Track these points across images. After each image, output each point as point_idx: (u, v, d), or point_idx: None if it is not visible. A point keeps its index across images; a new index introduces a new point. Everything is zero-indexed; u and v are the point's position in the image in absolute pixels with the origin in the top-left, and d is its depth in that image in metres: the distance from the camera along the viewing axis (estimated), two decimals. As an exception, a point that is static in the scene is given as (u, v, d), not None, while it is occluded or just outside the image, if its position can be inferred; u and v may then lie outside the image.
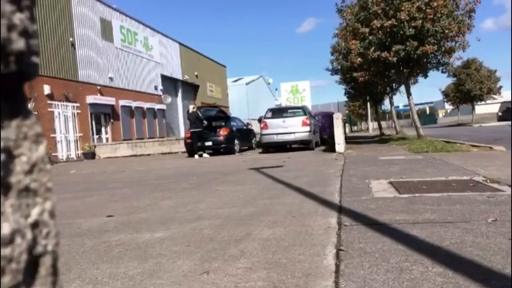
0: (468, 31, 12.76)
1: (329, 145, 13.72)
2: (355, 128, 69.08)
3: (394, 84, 22.29)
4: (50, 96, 17.65)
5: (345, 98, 35.61)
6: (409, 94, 14.65)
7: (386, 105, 34.32)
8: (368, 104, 37.96)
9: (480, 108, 56.97)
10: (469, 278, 1.96)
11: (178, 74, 31.13)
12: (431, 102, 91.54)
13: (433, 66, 13.98)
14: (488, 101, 47.58)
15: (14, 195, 0.32)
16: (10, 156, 0.31)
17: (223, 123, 16.01)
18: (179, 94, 31.69)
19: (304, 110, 15.48)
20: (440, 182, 4.98)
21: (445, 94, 50.43)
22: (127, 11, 25.62)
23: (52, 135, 17.56)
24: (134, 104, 24.25)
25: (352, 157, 9.80)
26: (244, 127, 17.91)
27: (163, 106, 27.65)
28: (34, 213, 0.33)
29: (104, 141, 21.72)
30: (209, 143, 14.86)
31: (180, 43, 32.23)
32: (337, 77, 25.12)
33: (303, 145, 14.81)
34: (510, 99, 43.96)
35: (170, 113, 29.49)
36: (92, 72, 21.22)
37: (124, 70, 24.25)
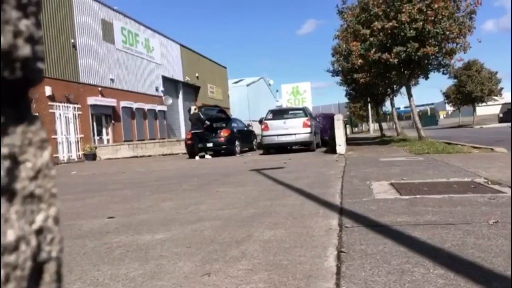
0: (469, 32, 12.75)
1: (330, 146, 13.71)
2: (356, 129, 69.08)
3: (395, 86, 22.27)
4: (51, 98, 17.68)
5: (346, 100, 35.59)
6: (410, 95, 14.64)
7: (387, 106, 34.29)
8: (369, 105, 37.96)
9: (481, 110, 56.96)
10: (470, 280, 1.95)
11: (179, 76, 31.16)
12: (432, 104, 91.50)
13: (434, 67, 13.97)
14: (489, 103, 47.60)
15: (19, 202, 0.32)
16: (15, 162, 0.31)
17: (224, 125, 16.02)
18: (180, 96, 31.72)
19: (305, 112, 15.47)
20: (441, 183, 4.97)
21: (446, 95, 50.45)
22: (128, 13, 25.70)
23: (53, 136, 17.58)
24: (135, 105, 24.27)
25: (353, 158, 9.80)
26: (245, 129, 17.91)
27: (164, 108, 27.68)
28: (39, 219, 0.33)
29: (105, 142, 21.74)
30: (210, 145, 14.85)
31: (181, 45, 32.27)
32: (338, 79, 25.11)
33: (304, 146, 14.81)
34: (511, 101, 43.91)
35: (171, 115, 29.52)
36: (93, 73, 21.25)
37: (125, 72, 24.29)
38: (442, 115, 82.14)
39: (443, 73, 14.31)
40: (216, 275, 2.26)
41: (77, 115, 19.51)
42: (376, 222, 3.21)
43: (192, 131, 14.66)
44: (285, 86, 47.70)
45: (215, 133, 15.19)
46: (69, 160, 18.50)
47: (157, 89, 27.51)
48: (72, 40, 19.79)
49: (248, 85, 50.51)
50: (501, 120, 44.00)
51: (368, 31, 12.92)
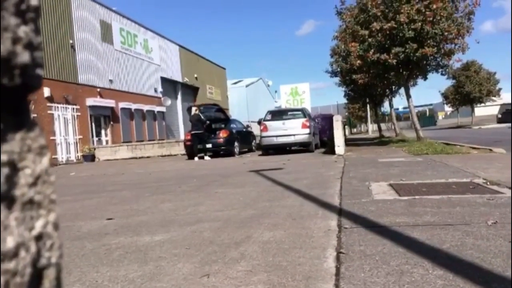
0: (468, 33, 12.77)
1: (328, 147, 13.72)
2: (354, 130, 69.09)
3: (393, 86, 22.30)
4: (50, 99, 17.65)
5: (344, 100, 35.61)
6: (408, 96, 14.66)
7: (385, 107, 34.35)
8: (368, 106, 37.97)
9: (480, 110, 57.06)
10: (469, 281, 1.96)
11: (177, 76, 31.16)
12: (431, 104, 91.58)
13: (433, 68, 13.99)
14: (487, 103, 47.64)
15: (18, 208, 0.32)
16: (14, 169, 0.31)
17: (223, 125, 16.02)
18: (179, 97, 31.71)
19: (303, 112, 15.48)
20: (440, 184, 4.98)
21: (445, 96, 50.49)
22: (127, 14, 25.68)
23: (51, 138, 17.56)
24: (134, 106, 24.26)
25: (351, 159, 9.80)
26: (244, 130, 17.91)
27: (162, 109, 27.67)
28: (38, 225, 0.33)
29: (104, 143, 21.72)
30: (209, 145, 14.85)
31: (179, 45, 32.27)
32: (336, 79, 25.13)
33: (303, 147, 14.81)
34: (510, 101, 43.99)
35: (170, 116, 29.50)
36: (92, 74, 21.24)
37: (124, 73, 24.28)
38: (440, 115, 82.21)
39: (442, 74, 14.33)
40: (215, 277, 2.26)
41: (75, 116, 19.49)
42: (375, 223, 3.21)
43: (193, 132, 14.65)
44: (284, 87, 47.69)
45: (214, 134, 15.19)
46: (68, 161, 18.48)
47: (156, 90, 27.50)
48: (71, 41, 19.77)
49: (247, 86, 50.53)
50: (499, 121, 44.05)
51: (366, 32, 12.93)
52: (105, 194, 6.26)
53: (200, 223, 3.66)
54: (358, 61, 13.75)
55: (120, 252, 2.90)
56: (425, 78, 15.16)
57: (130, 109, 23.94)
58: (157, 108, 26.92)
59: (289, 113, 15.77)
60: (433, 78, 43.88)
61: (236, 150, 15.55)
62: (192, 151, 14.80)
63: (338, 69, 22.85)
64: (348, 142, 18.21)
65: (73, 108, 19.37)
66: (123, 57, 24.34)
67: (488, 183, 4.80)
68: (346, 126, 29.44)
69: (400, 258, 2.34)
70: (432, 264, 2.21)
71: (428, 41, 12.54)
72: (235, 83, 51.25)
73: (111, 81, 22.76)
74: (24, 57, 0.32)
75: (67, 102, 18.96)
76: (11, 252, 0.30)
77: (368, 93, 24.54)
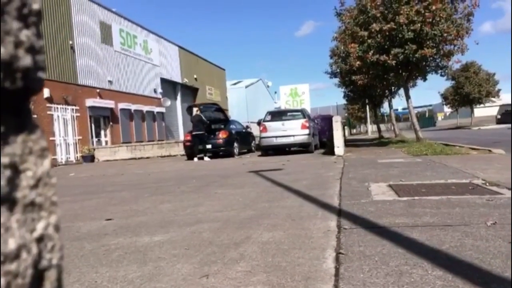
0: (467, 34, 12.79)
1: (328, 148, 13.73)
2: (354, 131, 69.11)
3: (393, 87, 22.33)
4: (50, 99, 17.65)
5: (344, 101, 35.64)
6: (408, 97, 14.67)
7: (385, 108, 34.40)
8: (367, 107, 38.00)
9: (479, 111, 57.11)
10: (468, 282, 1.96)
11: (177, 77, 31.16)
12: (430, 105, 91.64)
13: (432, 69, 14.01)
14: (487, 104, 47.71)
15: (20, 210, 0.32)
16: (16, 171, 0.32)
17: (222, 126, 16.02)
18: (178, 97, 31.72)
19: (303, 113, 15.49)
20: (439, 185, 4.98)
21: (444, 97, 50.56)
22: (127, 15, 25.69)
23: (51, 138, 17.55)
24: (133, 107, 24.26)
25: (351, 160, 9.81)
26: (243, 130, 17.92)
27: (162, 109, 27.67)
28: (39, 227, 0.33)
29: (103, 144, 21.72)
30: (209, 146, 14.86)
31: (179, 46, 32.28)
32: (336, 80, 25.16)
33: (302, 148, 14.82)
34: (510, 102, 44.04)
35: (169, 116, 29.50)
36: (91, 75, 21.24)
37: (123, 73, 24.28)
38: (440, 116, 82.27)
39: (441, 75, 14.35)
40: (214, 277, 2.27)
41: (75, 117, 19.49)
42: (374, 224, 3.22)
43: (194, 133, 14.65)
44: (284, 87, 47.68)
45: (213, 134, 15.19)
46: (67, 162, 18.48)
47: (155, 91, 27.51)
48: (70, 42, 19.78)
49: (246, 86, 50.54)
50: (499, 122, 44.13)
51: (366, 33, 12.95)
52: (104, 195, 6.26)
53: (200, 223, 3.66)
54: (358, 62, 13.76)
55: (119, 253, 2.90)
56: (425, 79, 15.18)
57: (129, 109, 23.94)
58: (156, 109, 26.92)
59: (289, 114, 15.78)
60: (433, 79, 44.26)
61: (236, 150, 15.56)
62: (192, 151, 14.80)
63: (338, 70, 22.87)
64: (348, 143, 18.21)
65: (73, 109, 19.37)
66: (122, 58, 24.34)
67: (487, 184, 4.80)
68: (345, 127, 29.43)
69: (399, 259, 2.35)
70: (432, 265, 2.21)
71: (428, 42, 12.56)
72: (235, 84, 51.26)
73: (110, 82, 22.76)
74: (26, 60, 0.32)
75: (67, 103, 18.96)
76: (12, 254, 0.30)
77: (367, 94, 24.57)
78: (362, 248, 2.59)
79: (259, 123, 15.62)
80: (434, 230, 2.91)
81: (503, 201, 3.78)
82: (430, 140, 14.35)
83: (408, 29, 12.32)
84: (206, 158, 14.44)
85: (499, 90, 46.78)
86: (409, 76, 14.47)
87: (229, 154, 15.22)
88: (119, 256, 2.82)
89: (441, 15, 12.19)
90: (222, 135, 15.17)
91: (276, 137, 14.30)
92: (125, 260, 2.73)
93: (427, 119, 73.39)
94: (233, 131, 16.04)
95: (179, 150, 18.57)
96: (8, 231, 0.31)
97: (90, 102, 20.46)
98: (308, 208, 4.05)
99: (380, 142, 19.38)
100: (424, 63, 13.44)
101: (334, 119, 12.68)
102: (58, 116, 18.41)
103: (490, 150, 9.91)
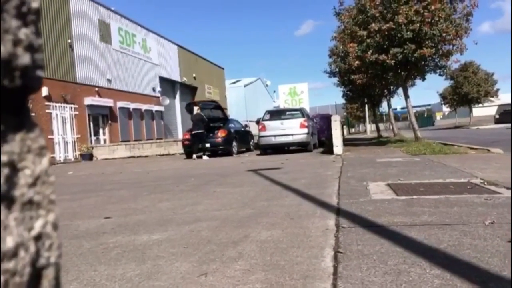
0: (466, 34, 12.80)
1: (327, 147, 13.74)
2: (353, 130, 69.17)
3: (392, 87, 22.32)
4: (48, 98, 17.63)
5: (343, 100, 35.63)
6: (406, 96, 14.68)
7: (383, 107, 34.43)
8: (366, 106, 38.02)
9: (478, 111, 57.19)
10: (466, 281, 1.96)
11: (176, 76, 31.13)
12: (429, 105, 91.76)
13: (431, 69, 14.01)
14: (485, 104, 47.79)
15: (18, 208, 0.32)
16: (14, 169, 0.32)
17: (221, 125, 16.02)
18: (177, 96, 31.69)
19: (302, 112, 15.50)
20: (437, 184, 4.99)
21: (443, 96, 50.62)
22: (126, 13, 25.65)
23: (49, 137, 17.53)
24: (132, 105, 24.24)
25: (350, 159, 9.81)
26: (242, 129, 17.92)
27: (161, 108, 27.65)
28: (37, 225, 0.33)
29: (102, 142, 21.70)
30: (207, 145, 14.86)
31: (178, 45, 32.24)
32: (335, 80, 25.17)
33: (301, 147, 14.82)
34: (509, 102, 44.11)
35: (168, 115, 29.48)
36: (90, 73, 21.21)
37: (122, 72, 24.25)
38: (438, 116, 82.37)
39: (440, 75, 14.36)
40: (213, 276, 2.27)
41: (73, 115, 19.46)
42: (373, 223, 3.22)
43: (194, 132, 14.62)
44: (282, 86, 47.74)
45: (212, 133, 15.19)
46: (66, 160, 18.46)
47: (154, 90, 27.48)
48: (69, 40, 19.74)
49: (245, 85, 50.51)
50: (497, 121, 44.19)
51: (365, 33, 12.94)
52: (103, 193, 6.26)
53: (198, 222, 3.66)
54: (357, 62, 13.77)
55: (117, 251, 2.90)
56: (423, 79, 15.20)
57: (128, 108, 23.91)
58: (155, 108, 26.89)
59: (288, 113, 15.78)
60: (431, 79, 44.38)
61: (234, 149, 15.56)
62: (190, 150, 14.81)
63: (337, 70, 22.87)
64: (346, 142, 18.23)
65: (71, 107, 19.34)
66: (121, 56, 24.31)
67: (486, 183, 4.81)
68: (344, 126, 29.46)
69: (397, 258, 2.35)
70: (430, 264, 2.22)
71: (426, 42, 12.56)
72: (234, 82, 51.23)
73: (109, 80, 22.73)
74: (24, 59, 0.32)
75: (65, 101, 18.93)
76: (10, 252, 0.30)
77: (366, 93, 24.58)
78: (361, 247, 2.60)
79: (258, 122, 15.62)
80: (432, 229, 2.92)
81: (501, 201, 3.79)
82: (428, 140, 14.36)
83: (407, 29, 12.32)
84: (204, 157, 14.44)
85: (497, 90, 46.85)
86: (408, 75, 14.48)
87: (227, 153, 15.22)
88: (117, 255, 2.82)
89: (440, 15, 12.19)
90: (221, 133, 15.17)
91: (275, 136, 14.31)
92: (124, 258, 2.73)
93: (425, 118, 73.46)
94: (232, 130, 16.04)
95: (178, 148, 18.56)
96: (6, 229, 0.31)
97: (88, 100, 20.43)
98: (306, 207, 4.05)
99: (378, 141, 19.39)
100: (423, 62, 13.45)
101: (333, 118, 12.69)
102: (56, 115, 18.38)
103: (488, 150, 9.93)
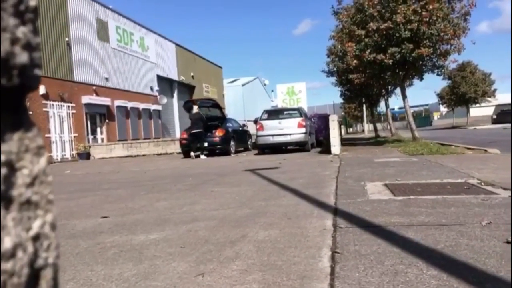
0: (463, 34, 12.83)
1: (324, 146, 13.75)
2: (350, 130, 69.28)
3: (389, 86, 22.36)
4: (45, 96, 17.58)
5: (340, 100, 35.66)
6: (404, 96, 14.71)
7: (381, 107, 34.44)
8: (364, 106, 38.07)
9: (475, 111, 57.29)
10: (463, 281, 1.97)
11: (174, 75, 31.10)
12: (426, 105, 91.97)
13: (429, 68, 14.04)
14: (482, 104, 47.88)
15: (16, 209, 0.32)
16: (12, 169, 0.31)
17: (219, 124, 16.00)
18: (175, 95, 31.66)
19: (300, 112, 15.50)
20: (435, 184, 5.00)
21: (440, 96, 50.71)
22: (123, 12, 25.61)
23: (46, 135, 17.48)
24: (129, 104, 24.19)
25: (347, 159, 9.82)
26: (240, 128, 17.91)
27: (158, 107, 27.61)
28: (35, 225, 0.33)
29: (99, 141, 21.65)
30: (205, 144, 14.84)
31: (176, 44, 32.20)
32: (333, 79, 25.16)
33: (299, 146, 14.83)
34: (507, 102, 44.23)
35: (166, 114, 29.45)
36: (87, 72, 21.16)
37: (120, 71, 24.20)
38: (436, 116, 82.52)
39: (438, 74, 14.38)
40: (210, 276, 2.26)
41: (71, 114, 19.42)
42: (370, 223, 3.23)
43: (193, 131, 14.59)
44: (280, 86, 47.69)
45: (210, 132, 15.17)
46: (63, 159, 18.41)
47: (152, 89, 27.44)
48: (67, 39, 19.69)
49: (243, 85, 50.49)
50: (494, 122, 44.30)
51: (363, 32, 12.96)
52: (100, 193, 6.24)
53: (196, 222, 3.66)
54: (355, 61, 13.78)
55: (114, 251, 2.90)
56: (421, 79, 15.22)
57: (125, 107, 23.87)
58: (153, 107, 26.86)
59: (285, 112, 15.79)
60: (429, 79, 44.39)
61: (232, 149, 15.55)
62: (188, 149, 14.78)
63: (335, 69, 22.88)
64: (344, 142, 18.25)
65: (69, 106, 19.29)
66: (119, 55, 24.26)
67: (483, 183, 4.83)
68: (342, 126, 29.49)
69: (394, 258, 2.36)
70: (427, 264, 2.22)
71: (424, 42, 12.59)
72: (232, 82, 51.20)
73: (107, 79, 22.69)
74: (22, 57, 0.32)
75: (63, 100, 18.88)
76: (8, 253, 0.30)
77: (364, 93, 24.61)
78: (358, 247, 2.60)
79: (255, 122, 15.62)
80: (429, 230, 2.92)
81: (498, 201, 3.80)
82: (426, 140, 14.39)
83: (405, 28, 12.34)
84: (202, 156, 14.42)
85: (495, 90, 46.98)
86: (405, 75, 14.50)
87: (225, 152, 15.21)
88: (114, 254, 2.81)
89: (438, 14, 12.21)
90: (218, 133, 15.16)
91: (272, 135, 14.31)
92: (121, 258, 2.72)
93: (423, 118, 73.67)
94: (230, 129, 16.03)
95: (175, 148, 18.54)
96: (4, 229, 0.30)
97: (86, 99, 20.39)
98: (304, 207, 4.05)
99: (376, 141, 19.42)
100: (420, 62, 13.47)
101: (330, 118, 12.70)
102: (54, 113, 18.33)
103: (485, 150, 9.96)
